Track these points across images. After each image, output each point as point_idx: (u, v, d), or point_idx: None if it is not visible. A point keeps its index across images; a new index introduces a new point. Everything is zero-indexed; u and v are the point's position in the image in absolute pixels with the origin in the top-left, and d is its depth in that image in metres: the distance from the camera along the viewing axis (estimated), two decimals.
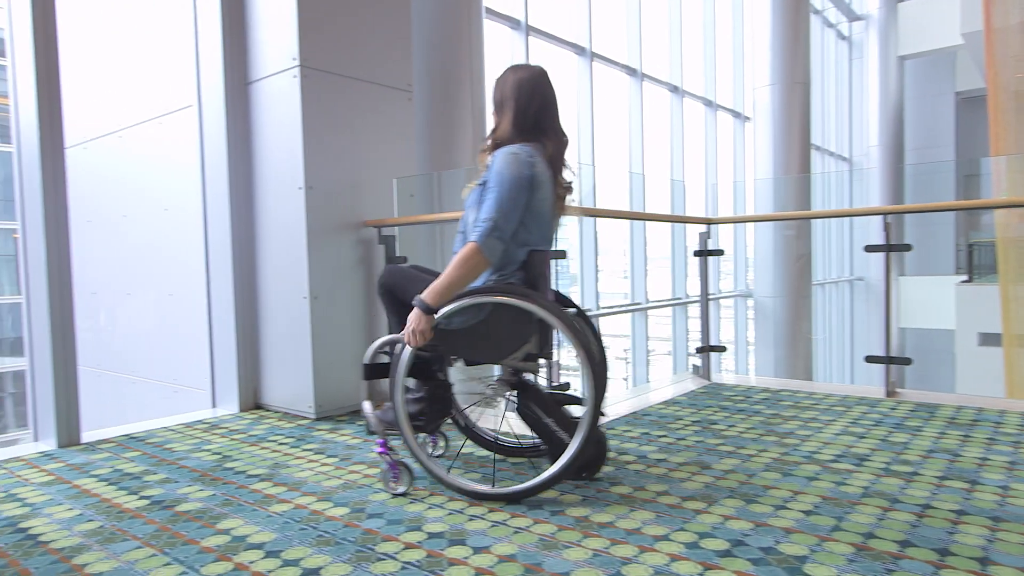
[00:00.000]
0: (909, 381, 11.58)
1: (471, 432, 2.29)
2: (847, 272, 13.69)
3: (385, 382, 1.99)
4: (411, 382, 2.08)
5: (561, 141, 2.04)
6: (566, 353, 1.92)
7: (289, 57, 2.97)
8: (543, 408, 1.95)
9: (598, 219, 6.74)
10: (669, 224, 8.66)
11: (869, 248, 3.36)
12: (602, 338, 2.17)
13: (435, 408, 2.07)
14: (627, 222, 7.80)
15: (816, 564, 1.45)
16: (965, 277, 11.67)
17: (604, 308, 7.35)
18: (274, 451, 2.48)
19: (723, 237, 9.81)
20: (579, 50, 6.95)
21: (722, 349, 3.91)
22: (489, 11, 5.71)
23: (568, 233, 6.99)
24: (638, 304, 7.84)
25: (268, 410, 3.21)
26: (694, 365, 3.85)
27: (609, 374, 2.12)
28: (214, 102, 3.21)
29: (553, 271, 2.73)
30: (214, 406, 3.36)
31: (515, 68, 2.05)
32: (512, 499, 1.87)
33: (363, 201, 3.21)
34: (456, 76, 4.39)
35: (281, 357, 3.16)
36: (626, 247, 7.84)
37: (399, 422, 1.95)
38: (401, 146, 3.38)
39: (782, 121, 8.67)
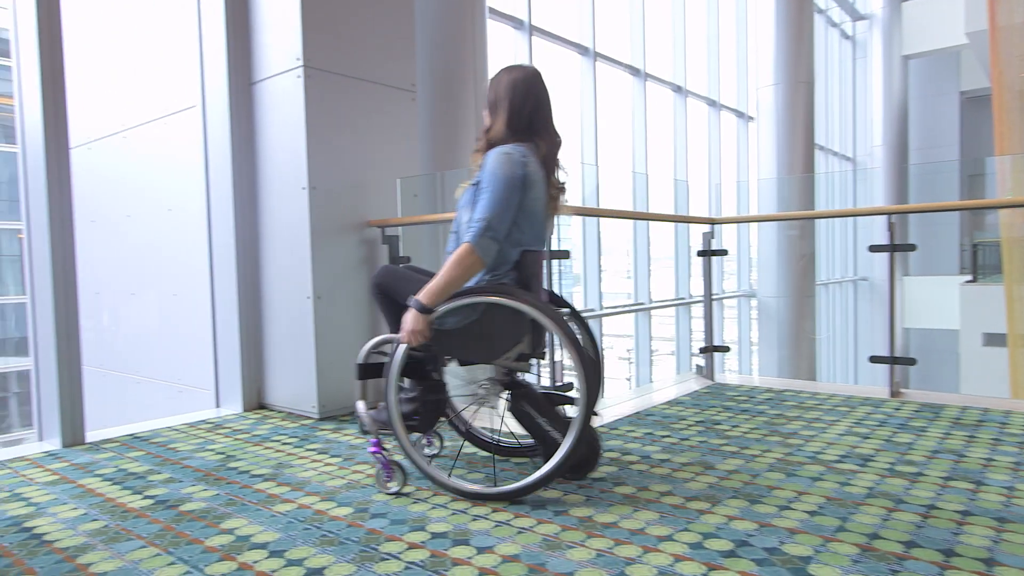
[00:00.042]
0: (913, 381, 11.54)
1: (471, 436, 2.30)
2: (851, 272, 13.66)
3: (381, 382, 1.99)
4: (406, 382, 2.08)
5: (554, 141, 2.04)
6: (567, 353, 1.93)
7: (293, 57, 2.98)
8: (536, 408, 1.96)
9: (601, 219, 6.74)
10: (672, 224, 8.65)
11: (873, 248, 3.35)
12: (596, 338, 2.17)
13: (429, 408, 2.08)
14: (630, 222, 7.79)
15: (820, 565, 1.45)
16: (969, 277, 11.63)
17: (607, 308, 7.34)
18: (278, 451, 2.49)
19: (727, 237, 9.80)
20: (582, 50, 6.94)
21: (726, 349, 3.90)
22: (492, 11, 5.71)
23: (572, 233, 6.98)
24: (641, 304, 7.84)
25: (272, 410, 3.21)
26: (697, 365, 3.84)
27: (603, 374, 2.13)
28: (218, 102, 3.22)
29: (556, 271, 2.74)
30: (218, 406, 3.37)
31: (509, 69, 2.06)
32: (503, 498, 1.88)
33: (367, 201, 3.21)
34: (459, 76, 4.39)
35: (285, 357, 3.17)
36: (629, 247, 7.83)
37: (392, 422, 1.95)
38: (404, 146, 3.38)
39: (786, 121, 8.66)
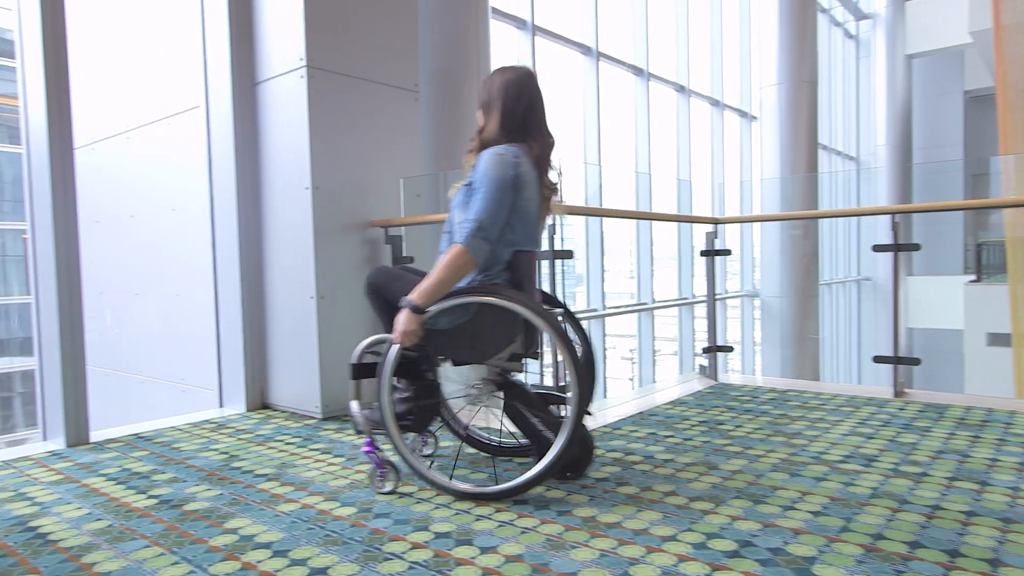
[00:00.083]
0: (917, 381, 11.52)
1: (470, 439, 2.30)
2: (854, 272, 13.63)
3: (375, 381, 2.00)
4: (400, 382, 2.08)
5: (547, 142, 2.04)
6: (560, 353, 1.94)
7: (296, 58, 2.98)
8: (529, 407, 1.96)
9: (605, 219, 6.73)
10: (675, 224, 8.64)
11: (877, 248, 3.34)
12: (590, 338, 2.17)
13: (423, 408, 2.08)
14: (633, 222, 7.79)
15: (825, 565, 1.45)
16: (974, 277, 11.60)
17: (610, 308, 7.34)
18: (281, 451, 2.49)
19: (730, 237, 9.78)
20: (585, 50, 6.93)
21: (729, 349, 3.90)
22: (495, 11, 5.71)
23: (574, 233, 6.98)
24: (644, 304, 7.83)
25: (275, 410, 3.22)
26: (701, 365, 3.84)
27: (597, 374, 2.13)
28: (221, 103, 3.23)
29: (559, 271, 2.74)
30: (221, 406, 3.37)
31: (502, 69, 2.06)
32: (495, 498, 1.88)
33: (370, 201, 3.22)
34: (462, 76, 4.39)
35: (288, 357, 3.17)
36: (633, 247, 7.82)
37: (385, 422, 1.96)
38: (407, 146, 3.39)
39: (789, 120, 8.64)
